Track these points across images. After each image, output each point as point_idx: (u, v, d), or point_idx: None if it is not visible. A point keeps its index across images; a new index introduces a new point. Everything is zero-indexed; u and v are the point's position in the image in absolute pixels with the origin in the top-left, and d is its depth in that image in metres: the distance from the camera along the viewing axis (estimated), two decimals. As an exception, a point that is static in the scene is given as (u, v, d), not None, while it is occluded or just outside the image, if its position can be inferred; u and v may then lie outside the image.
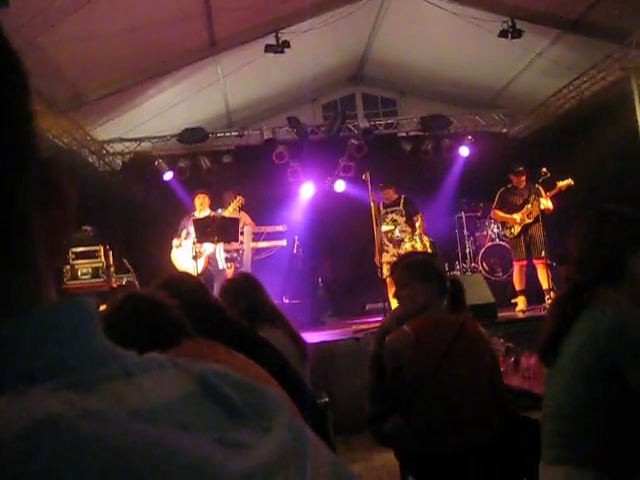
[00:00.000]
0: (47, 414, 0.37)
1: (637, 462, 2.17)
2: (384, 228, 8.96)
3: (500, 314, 7.90)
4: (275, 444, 0.45)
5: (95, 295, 7.23)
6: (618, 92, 9.81)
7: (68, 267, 8.37)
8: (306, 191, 11.78)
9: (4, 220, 0.44)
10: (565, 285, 2.48)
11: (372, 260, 9.06)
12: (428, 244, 8.79)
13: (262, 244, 9.99)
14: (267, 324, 3.75)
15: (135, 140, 11.66)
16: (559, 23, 9.92)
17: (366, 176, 8.69)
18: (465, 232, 11.28)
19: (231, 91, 11.77)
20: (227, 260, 9.02)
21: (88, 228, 8.64)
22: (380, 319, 7.90)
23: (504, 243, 10.39)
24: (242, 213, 9.40)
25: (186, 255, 8.68)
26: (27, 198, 0.46)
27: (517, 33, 9.58)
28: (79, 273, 8.35)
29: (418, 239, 8.74)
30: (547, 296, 8.51)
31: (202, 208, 8.99)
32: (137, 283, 8.48)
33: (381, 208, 9.08)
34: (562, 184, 8.66)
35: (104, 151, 11.61)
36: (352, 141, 11.95)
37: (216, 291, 5.08)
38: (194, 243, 8.44)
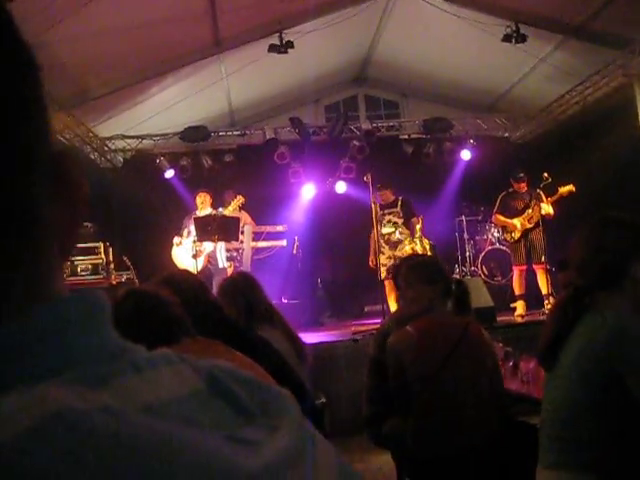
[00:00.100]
0: (61, 408, 0.37)
1: (635, 468, 2.17)
2: (384, 230, 8.95)
3: (499, 318, 7.91)
4: (283, 442, 0.45)
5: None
6: (621, 98, 9.81)
7: (67, 263, 8.36)
8: (307, 192, 11.77)
9: (15, 214, 0.44)
10: (566, 290, 2.48)
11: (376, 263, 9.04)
12: (428, 247, 8.78)
13: (262, 244, 9.99)
14: (265, 324, 3.75)
15: (137, 137, 11.65)
16: (563, 29, 9.92)
17: (367, 178, 8.68)
18: (465, 235, 11.27)
19: (234, 90, 11.76)
20: (227, 259, 9.02)
21: (88, 224, 8.63)
22: (379, 321, 7.90)
23: (504, 247, 10.39)
24: (242, 212, 9.40)
25: (186, 253, 8.69)
26: (38, 192, 0.46)
27: (521, 38, 9.58)
28: (78, 269, 8.34)
29: (418, 242, 8.73)
30: (546, 301, 8.52)
31: (203, 207, 9.00)
32: (137, 280, 8.48)
33: (378, 209, 9.08)
34: (563, 190, 8.67)
35: (106, 148, 11.61)
36: (354, 142, 11.93)
37: (214, 290, 5.09)
38: (194, 242, 8.44)
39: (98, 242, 8.48)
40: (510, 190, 9.09)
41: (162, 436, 0.39)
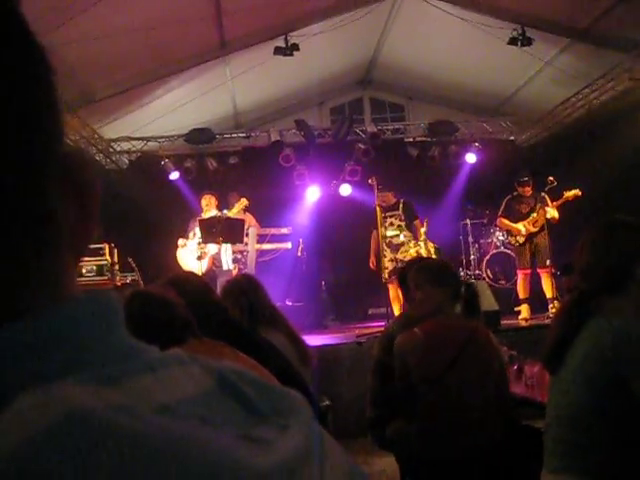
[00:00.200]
0: (76, 407, 0.37)
1: (639, 473, 2.17)
2: (389, 233, 8.94)
3: (503, 322, 7.89)
4: (294, 441, 0.46)
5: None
6: (627, 102, 9.80)
7: (73, 264, 8.35)
8: (312, 194, 11.77)
9: (27, 215, 0.45)
10: (571, 293, 2.48)
11: (378, 265, 9.02)
12: (433, 250, 8.76)
13: (266, 246, 9.98)
14: (267, 326, 3.73)
15: (142, 139, 11.66)
16: (569, 32, 9.91)
17: (372, 180, 8.67)
18: (470, 239, 11.25)
19: (239, 92, 11.78)
20: (233, 261, 9.02)
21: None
22: (383, 324, 7.91)
23: (509, 251, 10.37)
24: (247, 214, 9.41)
25: (191, 255, 8.69)
26: (50, 193, 0.47)
27: (527, 41, 9.58)
28: (83, 271, 8.34)
29: (423, 245, 8.72)
30: (551, 305, 8.49)
31: (208, 209, 9.00)
32: (141, 282, 8.48)
33: (381, 212, 9.05)
34: (569, 194, 8.64)
35: (111, 149, 11.63)
36: (359, 145, 11.93)
37: (218, 292, 5.07)
38: (199, 243, 8.45)
39: (103, 243, 8.49)
40: (515, 194, 9.07)
41: (177, 435, 0.39)
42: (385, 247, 8.77)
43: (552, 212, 8.60)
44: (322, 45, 10.14)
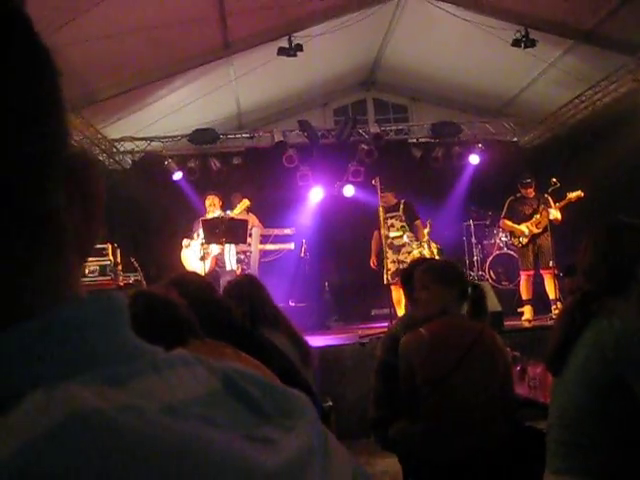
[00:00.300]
0: (82, 407, 0.37)
1: (642, 474, 2.17)
2: (392, 234, 8.93)
3: (506, 323, 7.88)
4: (299, 441, 0.46)
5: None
6: (630, 104, 9.79)
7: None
8: (315, 195, 11.77)
9: (32, 216, 0.45)
10: (573, 295, 2.48)
11: (379, 266, 9.02)
12: (436, 251, 8.76)
13: (270, 247, 9.99)
14: (269, 327, 3.73)
15: (145, 139, 11.67)
16: (572, 34, 9.90)
17: (376, 181, 8.66)
18: (473, 240, 11.25)
19: (243, 93, 11.78)
20: (236, 262, 9.02)
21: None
22: (386, 325, 7.90)
23: (512, 252, 10.36)
24: (250, 215, 9.40)
25: (194, 255, 8.70)
26: (55, 194, 0.47)
27: (530, 42, 9.57)
28: (86, 271, 8.33)
29: (426, 245, 8.72)
30: (554, 306, 8.48)
31: (212, 209, 9.00)
32: (144, 282, 8.49)
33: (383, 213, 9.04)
34: (572, 195, 8.65)
35: (114, 149, 11.64)
36: (362, 146, 11.92)
37: (221, 292, 5.06)
38: (202, 244, 8.45)
39: (106, 243, 8.49)
40: (518, 195, 9.07)
41: (183, 435, 0.39)
42: (387, 248, 8.75)
43: (555, 213, 8.59)
44: (326, 46, 10.14)
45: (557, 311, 7.84)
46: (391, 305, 8.53)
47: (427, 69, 12.32)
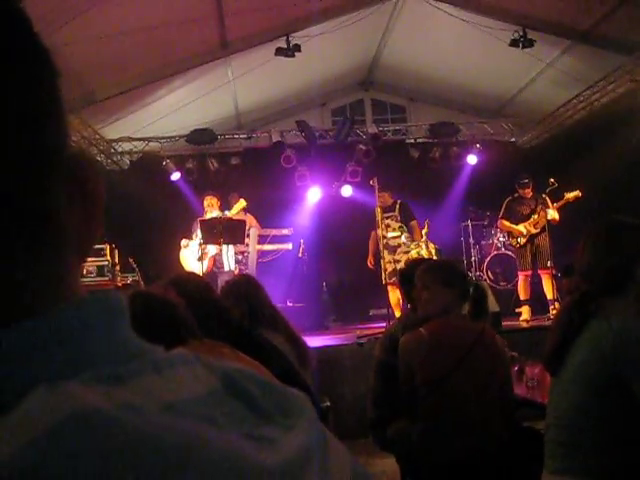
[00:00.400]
0: (82, 406, 0.37)
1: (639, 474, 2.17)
2: (390, 234, 8.93)
3: (504, 323, 7.89)
4: (298, 440, 0.46)
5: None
6: (628, 104, 9.80)
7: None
8: (313, 195, 11.77)
9: (32, 216, 0.45)
10: (571, 295, 2.48)
11: (377, 265, 9.01)
12: (434, 251, 8.76)
13: (267, 247, 9.98)
14: (267, 327, 3.72)
15: (143, 140, 11.66)
16: (570, 34, 9.91)
17: (373, 182, 8.66)
18: (471, 240, 11.26)
19: (241, 93, 11.78)
20: (235, 262, 9.01)
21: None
22: (384, 325, 7.91)
23: (510, 252, 10.36)
24: (248, 215, 9.40)
25: (192, 256, 8.70)
26: (54, 194, 0.47)
27: (528, 42, 9.59)
28: (84, 271, 8.34)
29: (424, 246, 8.72)
30: (552, 306, 8.49)
31: (210, 210, 8.99)
32: (142, 282, 8.49)
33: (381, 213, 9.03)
34: (570, 195, 8.65)
35: (112, 150, 11.64)
36: (360, 146, 11.92)
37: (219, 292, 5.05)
38: (200, 244, 8.45)
39: (104, 244, 8.49)
40: (515, 195, 9.07)
41: (184, 434, 0.39)
42: (383, 249, 8.75)
43: (553, 213, 8.60)
44: (324, 46, 10.14)
45: (555, 311, 7.84)
46: (389, 305, 8.53)
47: (425, 69, 12.34)
